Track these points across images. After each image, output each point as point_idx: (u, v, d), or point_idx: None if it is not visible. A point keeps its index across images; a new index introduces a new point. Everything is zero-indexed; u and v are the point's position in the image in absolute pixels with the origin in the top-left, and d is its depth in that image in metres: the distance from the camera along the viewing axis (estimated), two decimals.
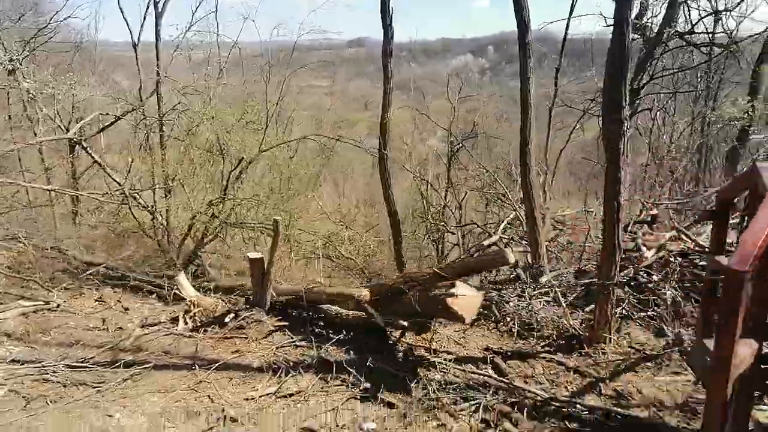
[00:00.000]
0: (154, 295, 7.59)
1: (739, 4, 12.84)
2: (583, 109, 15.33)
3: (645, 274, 5.83)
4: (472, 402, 4.45)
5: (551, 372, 5.07)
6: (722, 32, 14.34)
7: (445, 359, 5.21)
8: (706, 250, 6.76)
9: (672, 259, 5.86)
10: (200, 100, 13.23)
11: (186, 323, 6.06)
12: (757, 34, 13.66)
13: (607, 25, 14.29)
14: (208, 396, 4.68)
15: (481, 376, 4.82)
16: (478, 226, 8.74)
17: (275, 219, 5.76)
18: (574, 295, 6.14)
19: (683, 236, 7.19)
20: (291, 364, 5.25)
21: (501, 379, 4.80)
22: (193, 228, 11.09)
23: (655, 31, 13.37)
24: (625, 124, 4.87)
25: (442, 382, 4.77)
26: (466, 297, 5.07)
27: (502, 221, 8.19)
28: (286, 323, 6.05)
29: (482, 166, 9.41)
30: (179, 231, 11.45)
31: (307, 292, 6.11)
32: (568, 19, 14.31)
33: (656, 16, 13.91)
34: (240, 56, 15.48)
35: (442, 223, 9.35)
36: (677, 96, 15.94)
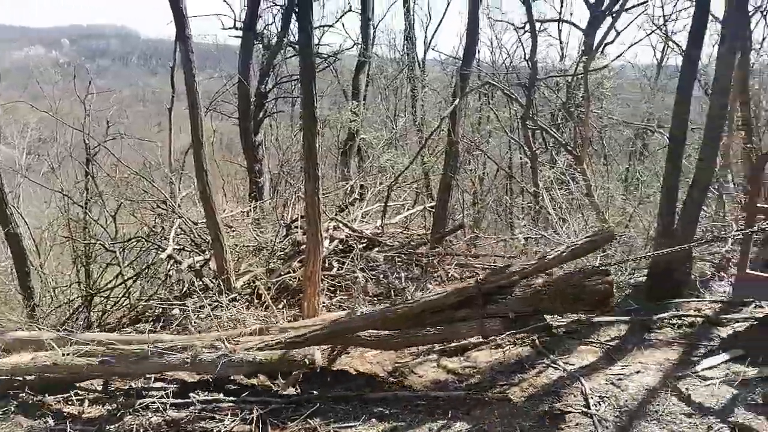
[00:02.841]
0: None
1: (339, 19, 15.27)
2: (206, 107, 15.39)
3: (336, 262, 6.33)
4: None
5: None
6: (326, 44, 16.71)
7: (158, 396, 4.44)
8: (363, 234, 7.86)
9: (354, 245, 6.55)
10: None
11: None
12: (347, 48, 16.52)
13: (225, 28, 14.78)
14: None
15: (212, 400, 4.33)
16: (143, 239, 7.68)
17: None
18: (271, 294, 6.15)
19: (341, 225, 8.13)
20: None
21: (230, 398, 4.42)
22: None
23: (275, 40, 14.58)
24: (318, 123, 5.11)
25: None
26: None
27: (170, 231, 7.45)
28: None
29: (138, 172, 8.28)
30: None
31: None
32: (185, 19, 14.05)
33: (271, 24, 15.13)
34: None
35: (95, 240, 7.79)
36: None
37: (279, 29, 14.42)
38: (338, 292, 6.29)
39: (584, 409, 3.89)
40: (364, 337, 4.73)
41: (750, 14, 8.10)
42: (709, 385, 3.98)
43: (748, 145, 7.03)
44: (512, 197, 13.23)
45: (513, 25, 14.27)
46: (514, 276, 4.51)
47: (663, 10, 14.93)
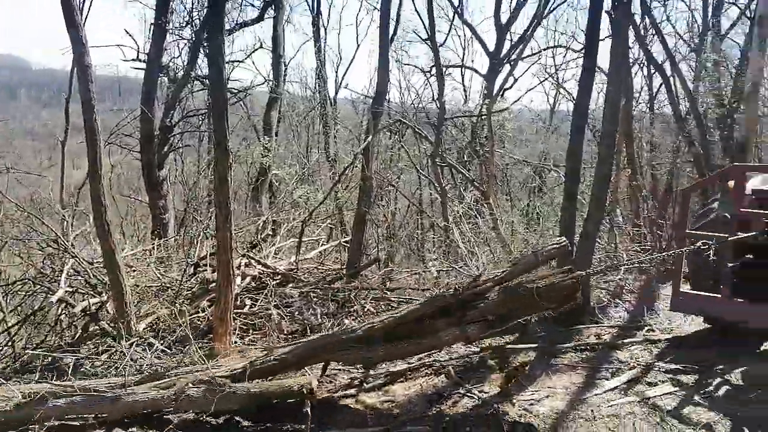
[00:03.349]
0: None
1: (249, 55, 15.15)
2: (106, 141, 14.56)
3: (249, 300, 6.09)
4: None
5: None
6: (236, 80, 16.51)
7: None
8: (277, 270, 7.68)
9: (267, 282, 6.35)
10: None
11: None
12: (258, 84, 16.46)
13: (127, 59, 14.20)
14: None
15: None
16: (30, 281, 6.94)
17: None
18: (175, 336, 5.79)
19: (254, 261, 7.90)
20: None
21: None
22: None
23: (181, 73, 14.20)
24: (230, 157, 5.00)
25: None
26: None
27: (62, 272, 6.82)
28: None
29: (24, 209, 7.50)
30: None
31: None
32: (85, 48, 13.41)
33: (177, 57, 14.75)
34: None
35: None
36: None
37: (186, 63, 14.09)
38: (251, 330, 6.04)
39: None
40: (345, 353, 4.66)
41: (630, 65, 9.06)
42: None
43: (634, 183, 7.73)
44: (424, 231, 13.57)
45: (421, 69, 14.95)
46: (488, 283, 4.63)
47: (554, 60, 16.50)
